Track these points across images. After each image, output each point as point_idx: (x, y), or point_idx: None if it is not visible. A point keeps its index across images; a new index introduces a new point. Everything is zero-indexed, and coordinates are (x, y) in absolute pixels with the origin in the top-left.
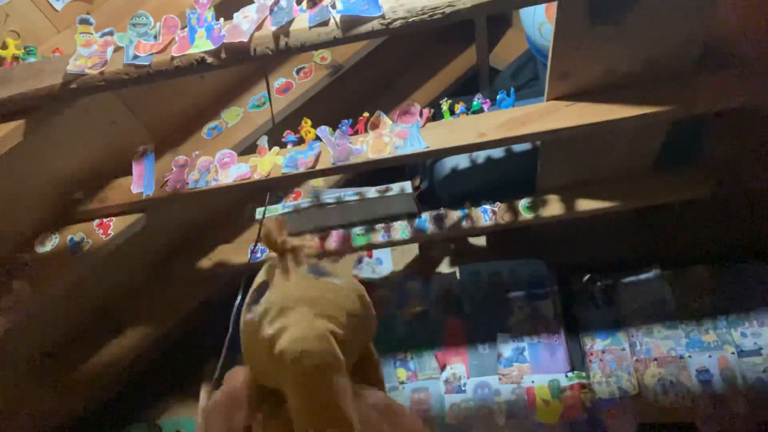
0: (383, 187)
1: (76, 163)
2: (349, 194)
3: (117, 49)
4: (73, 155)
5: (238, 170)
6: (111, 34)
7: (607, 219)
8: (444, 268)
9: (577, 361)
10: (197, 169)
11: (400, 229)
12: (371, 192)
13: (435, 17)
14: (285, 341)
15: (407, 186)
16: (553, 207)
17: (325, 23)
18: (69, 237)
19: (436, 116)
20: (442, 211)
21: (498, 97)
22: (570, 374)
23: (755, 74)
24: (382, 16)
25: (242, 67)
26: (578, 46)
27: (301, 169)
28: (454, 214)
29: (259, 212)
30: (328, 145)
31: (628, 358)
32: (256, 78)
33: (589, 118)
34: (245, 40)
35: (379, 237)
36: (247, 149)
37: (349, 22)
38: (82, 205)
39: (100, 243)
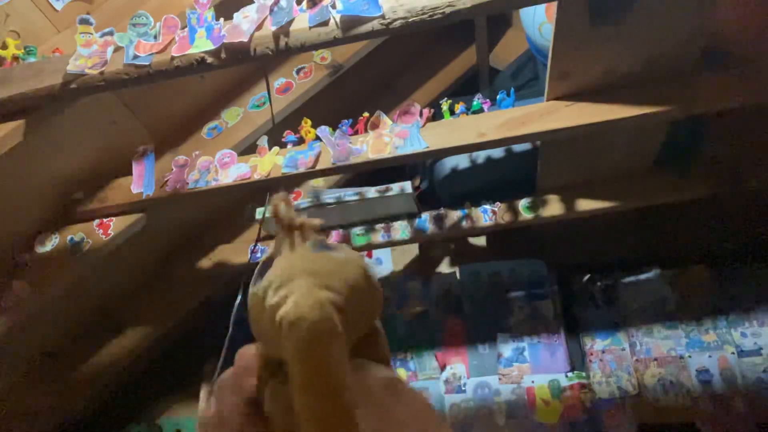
0: (383, 187)
1: (76, 163)
2: (349, 194)
3: (117, 49)
4: (73, 155)
5: (238, 170)
6: (111, 34)
7: (607, 219)
8: (444, 268)
9: (577, 361)
10: (197, 169)
11: (400, 229)
12: (371, 192)
13: (435, 17)
14: (285, 309)
15: (407, 186)
16: (553, 207)
17: (325, 23)
18: (69, 237)
19: (436, 116)
20: (442, 211)
21: (498, 97)
22: (570, 374)
23: (755, 74)
24: (382, 16)
25: (242, 67)
26: (578, 46)
27: (301, 169)
28: (454, 214)
29: (259, 212)
30: (328, 145)
31: (628, 358)
32: (256, 78)
33: (589, 118)
34: (245, 40)
35: (379, 237)
36: (247, 149)
37: (349, 22)
38: (82, 205)
39: (100, 243)
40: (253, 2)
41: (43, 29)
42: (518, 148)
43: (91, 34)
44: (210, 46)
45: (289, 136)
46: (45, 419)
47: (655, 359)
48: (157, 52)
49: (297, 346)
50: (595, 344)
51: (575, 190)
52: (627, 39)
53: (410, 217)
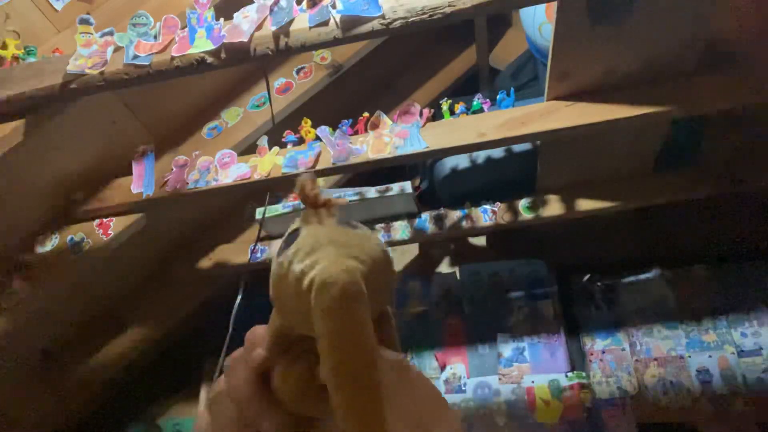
0: (383, 187)
1: (76, 163)
2: (349, 194)
3: (117, 49)
4: (73, 155)
5: (238, 170)
6: (111, 34)
7: (607, 219)
8: (444, 268)
9: (577, 361)
10: (197, 169)
11: (400, 229)
12: (371, 192)
13: (435, 17)
14: (314, 273)
15: (407, 186)
16: (553, 207)
17: (325, 23)
18: (69, 237)
19: (436, 116)
20: (442, 211)
21: (498, 97)
22: (570, 374)
23: (755, 74)
24: (382, 16)
25: (242, 67)
26: (578, 46)
27: (301, 169)
28: (454, 214)
29: (259, 212)
30: (328, 145)
31: (628, 358)
32: (256, 78)
33: (589, 118)
34: (245, 40)
35: (379, 237)
36: (247, 149)
37: (349, 22)
38: (82, 205)
39: (100, 243)
40: (253, 2)
41: (43, 29)
42: (518, 148)
43: (91, 34)
44: (210, 46)
45: (289, 136)
46: (45, 419)
47: (655, 359)
48: (157, 52)
49: (327, 307)
50: (595, 344)
51: (575, 190)
52: (627, 39)
53: (410, 217)
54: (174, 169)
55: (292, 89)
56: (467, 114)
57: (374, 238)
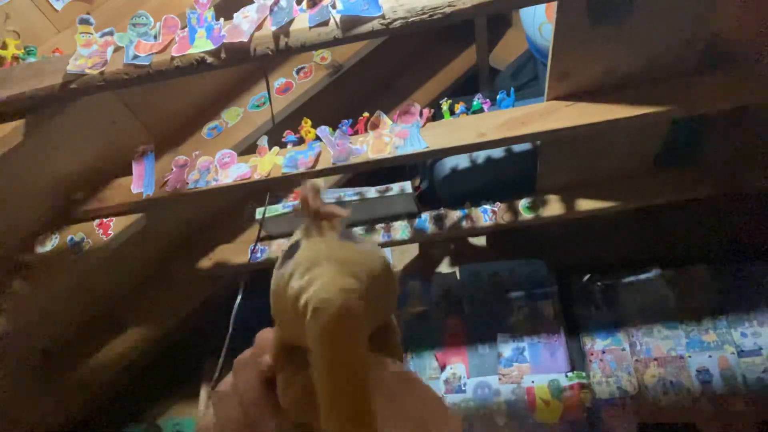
0: (383, 187)
1: (76, 163)
2: (349, 194)
3: (117, 49)
4: (73, 155)
5: (238, 170)
6: (111, 34)
7: (607, 219)
8: (444, 268)
9: (577, 361)
10: (197, 169)
11: (400, 229)
12: (371, 192)
13: (435, 17)
14: (310, 292)
15: (407, 186)
16: (553, 207)
17: (325, 23)
18: (69, 237)
19: (436, 116)
20: (442, 211)
21: (498, 97)
22: (570, 374)
23: (755, 74)
24: (382, 16)
25: (242, 67)
26: (578, 46)
27: (301, 169)
28: (454, 214)
29: (259, 212)
30: (328, 145)
31: (628, 358)
32: (256, 78)
33: (589, 118)
34: (245, 40)
35: (379, 237)
36: (247, 149)
37: (349, 22)
38: (82, 205)
39: (100, 243)
40: (253, 2)
41: (43, 29)
42: (518, 148)
43: (91, 34)
44: (210, 46)
45: (289, 136)
46: (45, 419)
47: (655, 359)
48: (157, 52)
49: (321, 330)
50: (595, 344)
51: (575, 190)
52: (627, 39)
53: (410, 217)
54: (174, 169)
55: (292, 89)
56: (467, 114)
57: (376, 253)
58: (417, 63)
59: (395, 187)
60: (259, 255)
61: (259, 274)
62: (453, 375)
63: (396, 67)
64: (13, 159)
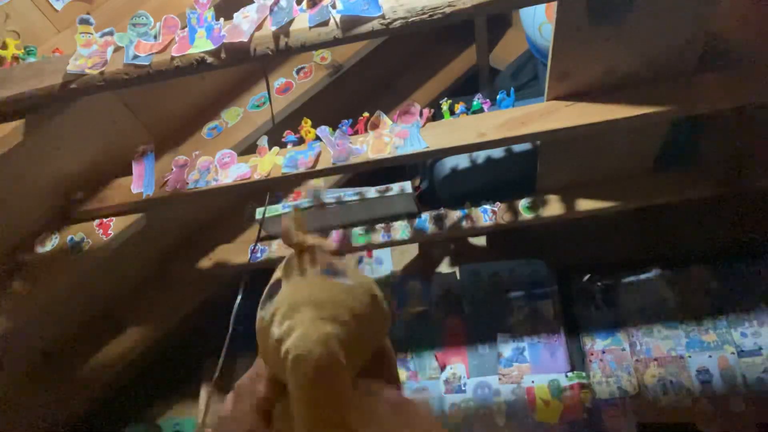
0: (383, 187)
1: (76, 163)
2: (349, 194)
3: (117, 49)
4: (73, 155)
5: (238, 170)
6: (111, 34)
7: (607, 219)
8: (444, 268)
9: (577, 361)
10: (197, 169)
11: (400, 229)
12: (371, 192)
13: (435, 17)
14: (289, 343)
15: (407, 186)
16: (553, 207)
17: (325, 23)
18: (69, 237)
19: (436, 116)
20: (442, 211)
21: (498, 97)
22: (570, 374)
23: (755, 74)
24: (382, 16)
25: (242, 67)
26: (578, 46)
27: (301, 169)
28: (454, 214)
29: (259, 212)
30: (328, 145)
31: (628, 358)
32: (256, 78)
33: (589, 118)
34: (245, 40)
35: (379, 237)
36: (247, 149)
37: (349, 22)
38: (82, 205)
39: (100, 243)
40: (253, 2)
41: (43, 29)
42: (518, 148)
43: (91, 34)
44: (210, 46)
45: (289, 136)
46: (45, 419)
47: (655, 359)
48: (157, 52)
49: (300, 383)
50: (595, 344)
51: (575, 190)
52: (627, 39)
53: (410, 217)
54: (174, 169)
55: (292, 89)
56: (467, 114)
57: (360, 286)
58: (417, 63)
59: (395, 187)
60: (259, 255)
61: (259, 274)
62: (453, 375)
63: (396, 67)
64: (13, 159)
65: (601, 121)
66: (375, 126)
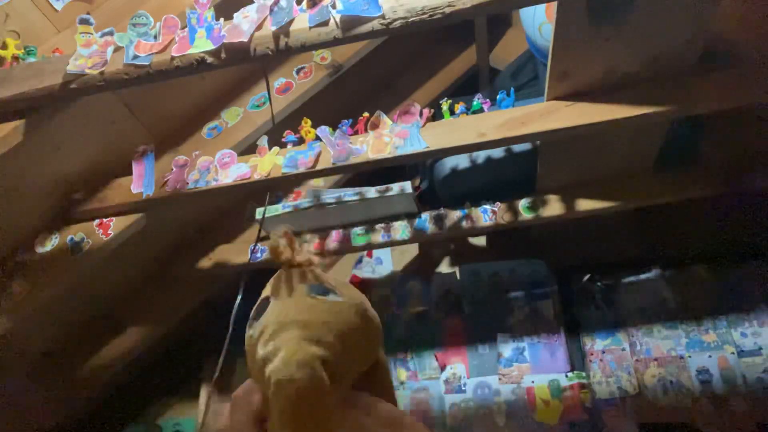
0: (383, 187)
1: (76, 163)
2: (349, 194)
3: (117, 49)
4: (73, 155)
5: (238, 170)
6: (111, 34)
7: (607, 219)
8: (444, 268)
9: (577, 361)
10: (197, 169)
11: (400, 229)
12: (371, 192)
13: (435, 17)
14: (272, 366)
15: (407, 186)
16: (553, 207)
17: (325, 23)
18: (69, 237)
19: (436, 116)
20: (442, 211)
21: (498, 97)
22: (570, 374)
23: (755, 74)
24: (382, 16)
25: (242, 67)
26: (578, 46)
27: (301, 169)
28: (454, 214)
29: (259, 212)
30: (328, 145)
31: (628, 358)
32: (256, 78)
33: (589, 118)
34: (245, 40)
35: (379, 237)
36: (247, 149)
37: (349, 22)
38: (82, 205)
39: (100, 243)
40: (253, 2)
41: (43, 29)
42: (518, 148)
43: (91, 34)
44: (210, 46)
45: (289, 136)
46: (45, 419)
47: (655, 359)
48: (157, 52)
49: (283, 406)
50: (595, 344)
51: (575, 190)
52: (627, 39)
53: (410, 217)
54: (174, 169)
55: (292, 89)
56: (467, 114)
57: (345, 305)
58: (417, 63)
59: (395, 187)
60: (259, 255)
61: (259, 274)
62: (453, 375)
63: (396, 67)
64: (13, 159)
65: (601, 121)
66: (375, 126)
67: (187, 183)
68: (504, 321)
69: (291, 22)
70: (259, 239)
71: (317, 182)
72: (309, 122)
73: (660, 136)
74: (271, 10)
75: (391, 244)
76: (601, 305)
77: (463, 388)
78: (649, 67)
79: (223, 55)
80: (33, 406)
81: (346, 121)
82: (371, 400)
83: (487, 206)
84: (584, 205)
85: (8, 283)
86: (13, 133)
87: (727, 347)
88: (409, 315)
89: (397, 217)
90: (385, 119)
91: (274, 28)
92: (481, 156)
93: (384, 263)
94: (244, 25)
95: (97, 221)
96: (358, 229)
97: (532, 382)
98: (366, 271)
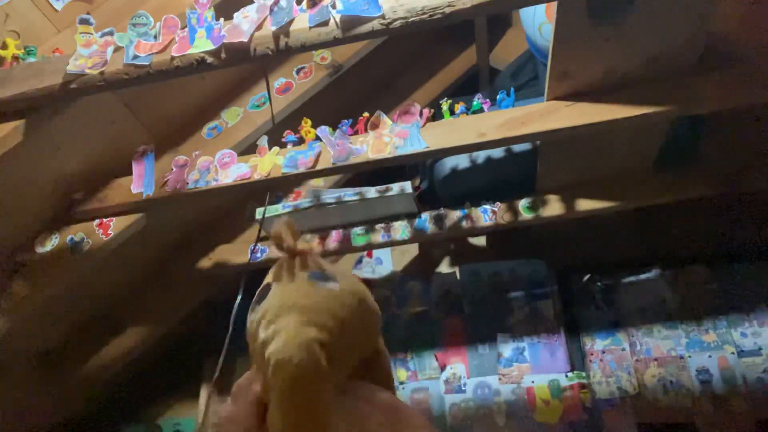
0: (383, 187)
1: (76, 163)
2: (349, 194)
3: (117, 49)
4: (73, 155)
5: (238, 170)
6: (111, 34)
7: (607, 219)
8: (444, 268)
9: (577, 361)
10: (197, 169)
11: (400, 229)
12: (371, 192)
13: (435, 17)
14: (271, 348)
15: (407, 186)
16: (553, 207)
17: (325, 23)
18: (69, 237)
19: (436, 116)
20: (442, 211)
21: (498, 97)
22: (570, 374)
23: (755, 74)
24: (382, 16)
25: (242, 67)
26: (578, 46)
27: (301, 169)
28: (454, 214)
29: (259, 212)
30: (328, 145)
31: (628, 358)
32: (256, 78)
33: (589, 118)
34: (245, 40)
35: (379, 237)
36: (247, 149)
37: (349, 22)
38: (82, 205)
39: (100, 243)
40: (253, 2)
41: (43, 29)
42: (518, 148)
43: (91, 34)
44: (210, 46)
45: (289, 136)
46: (45, 419)
47: (655, 359)
48: (157, 52)
49: (281, 387)
50: (595, 344)
51: (575, 190)
52: (627, 39)
53: (410, 217)
54: (174, 169)
55: (292, 89)
56: (467, 114)
57: (345, 292)
58: (417, 63)
59: (395, 187)
60: (259, 255)
61: (259, 274)
62: (453, 375)
63: (396, 67)
64: (13, 159)
65: (601, 121)
66: (375, 126)
67: (187, 183)
68: (504, 321)
69: (291, 22)
70: (259, 239)
71: (317, 182)
72: (309, 122)
73: (660, 136)
74: (271, 10)
75: (391, 244)
76: (601, 305)
77: (463, 388)
78: (649, 67)
79: (223, 55)
80: (33, 406)
81: (346, 121)
82: (371, 388)
83: (487, 206)
84: (584, 205)
85: (8, 283)
86: (13, 133)
87: (727, 347)
88: (409, 315)
89: (397, 217)
90: (385, 119)
91: (274, 28)
92: (481, 156)
93: (384, 263)
94: (244, 25)
95: (97, 221)
96: (358, 229)
97: (532, 382)
98: (366, 271)
